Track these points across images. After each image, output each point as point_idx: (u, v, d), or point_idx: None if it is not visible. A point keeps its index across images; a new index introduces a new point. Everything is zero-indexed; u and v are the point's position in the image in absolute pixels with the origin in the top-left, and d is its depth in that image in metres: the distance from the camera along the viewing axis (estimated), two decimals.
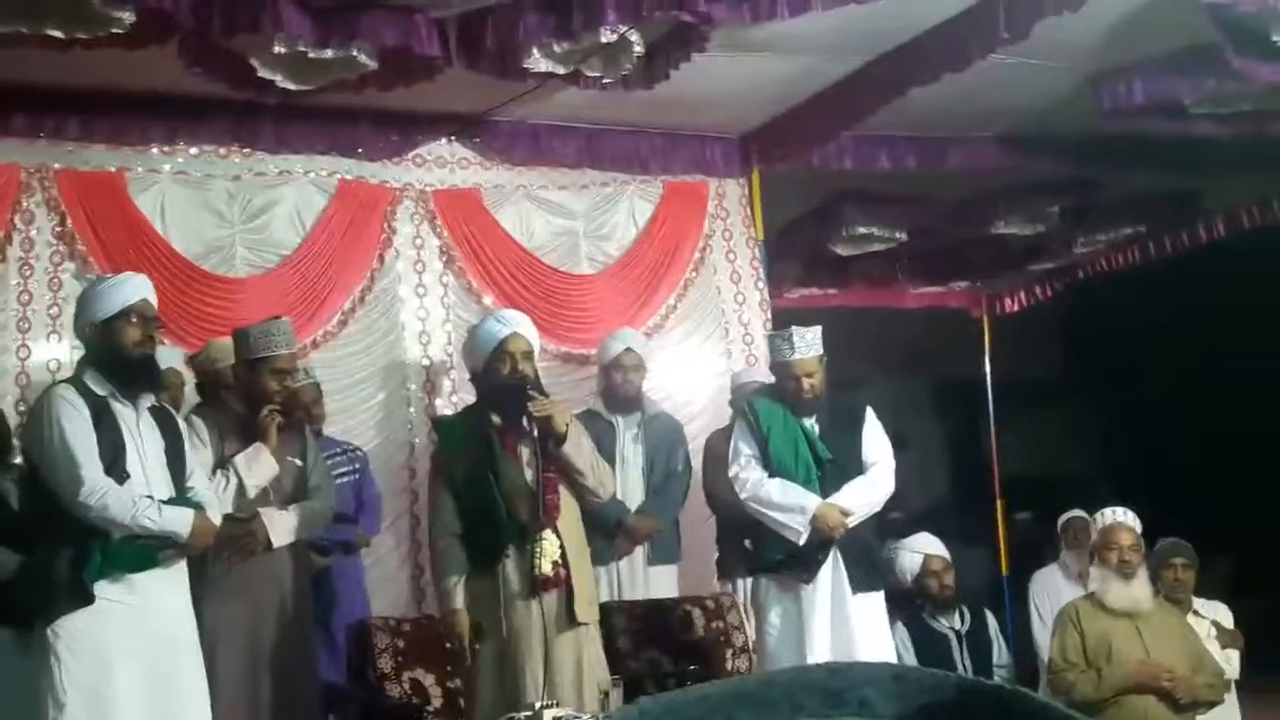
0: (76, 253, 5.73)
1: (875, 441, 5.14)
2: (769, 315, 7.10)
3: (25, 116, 5.67)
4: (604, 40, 5.21)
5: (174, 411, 4.46)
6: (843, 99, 6.37)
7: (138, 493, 3.99)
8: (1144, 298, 9.23)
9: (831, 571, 4.98)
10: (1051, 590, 6.67)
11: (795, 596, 5.00)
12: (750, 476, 5.05)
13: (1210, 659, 5.33)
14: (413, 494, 6.13)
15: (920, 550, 6.12)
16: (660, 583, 5.91)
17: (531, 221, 6.71)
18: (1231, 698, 5.54)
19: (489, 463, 4.36)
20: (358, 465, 5.73)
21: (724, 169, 7.09)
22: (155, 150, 5.97)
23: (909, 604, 6.07)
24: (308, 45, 4.95)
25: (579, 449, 4.44)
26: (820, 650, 4.87)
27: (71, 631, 3.90)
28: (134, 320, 4.10)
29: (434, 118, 6.38)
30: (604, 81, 5.73)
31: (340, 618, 5.40)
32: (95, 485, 3.91)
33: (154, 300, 4.22)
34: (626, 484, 5.82)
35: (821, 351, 5.09)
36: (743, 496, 5.07)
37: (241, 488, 4.59)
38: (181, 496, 4.15)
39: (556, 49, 5.27)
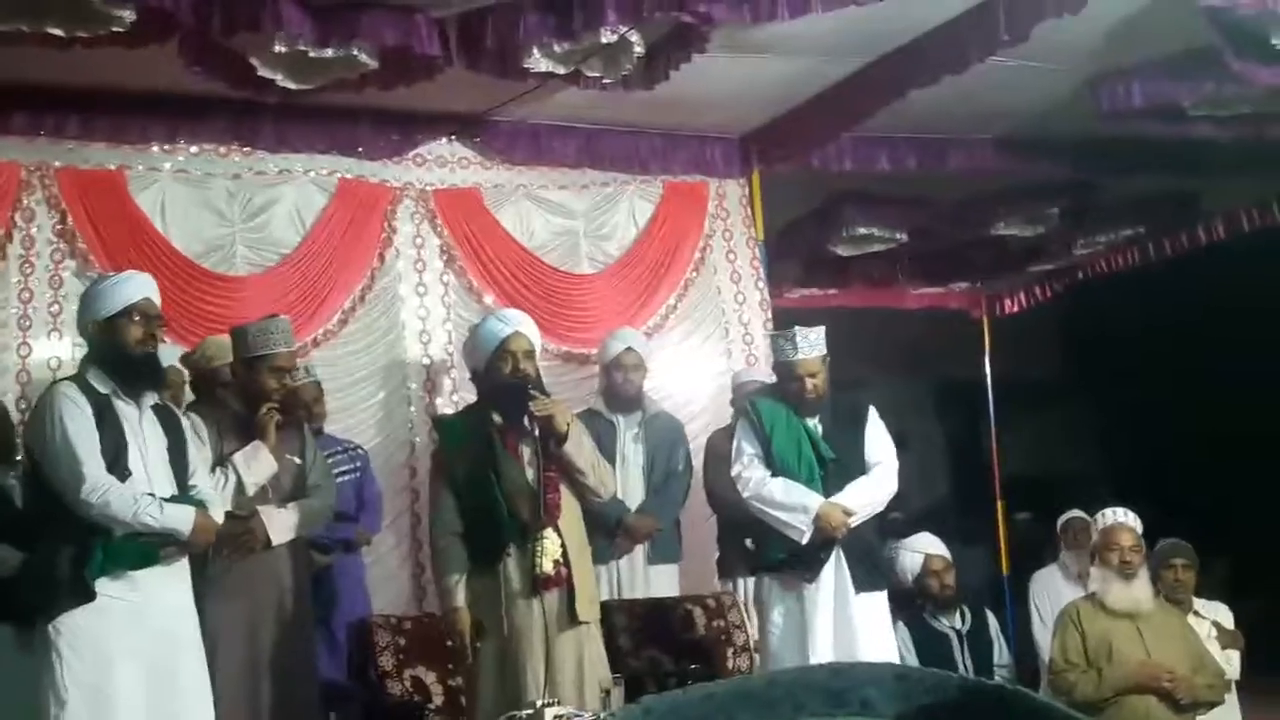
0: (77, 251, 5.74)
1: (878, 441, 5.13)
2: (769, 315, 7.11)
3: (26, 114, 5.68)
4: (604, 40, 5.21)
5: (176, 409, 4.46)
6: (843, 100, 6.38)
7: (139, 490, 3.99)
8: (1143, 299, 9.23)
9: (834, 571, 4.98)
10: (1051, 590, 6.68)
11: (798, 596, 4.99)
12: (753, 475, 5.04)
13: (1211, 659, 5.33)
14: (413, 492, 6.14)
15: (921, 550, 6.12)
16: (661, 582, 5.91)
17: (532, 221, 6.72)
18: (1232, 698, 5.54)
19: (490, 462, 4.36)
20: (358, 464, 5.73)
21: (724, 169, 7.10)
22: (155, 149, 5.98)
23: (910, 604, 6.07)
24: (308, 44, 4.96)
25: (580, 448, 4.44)
26: (823, 650, 4.86)
27: (73, 628, 3.90)
28: (137, 318, 4.10)
29: (434, 117, 6.39)
30: (604, 82, 5.74)
31: (341, 616, 5.40)
32: (97, 483, 3.91)
33: (157, 299, 4.21)
34: (627, 483, 5.83)
35: (825, 351, 5.08)
36: (745, 495, 5.06)
37: (240, 486, 4.58)
38: (184, 494, 4.15)
39: (557, 49, 5.27)
